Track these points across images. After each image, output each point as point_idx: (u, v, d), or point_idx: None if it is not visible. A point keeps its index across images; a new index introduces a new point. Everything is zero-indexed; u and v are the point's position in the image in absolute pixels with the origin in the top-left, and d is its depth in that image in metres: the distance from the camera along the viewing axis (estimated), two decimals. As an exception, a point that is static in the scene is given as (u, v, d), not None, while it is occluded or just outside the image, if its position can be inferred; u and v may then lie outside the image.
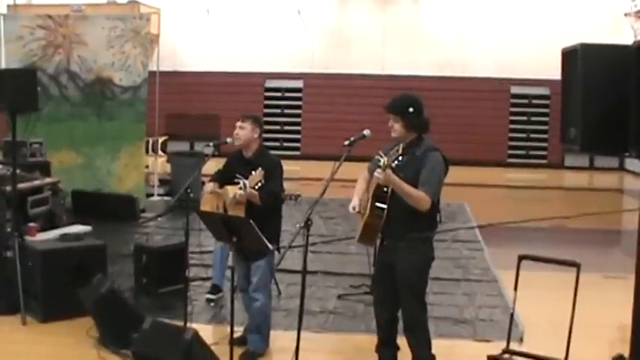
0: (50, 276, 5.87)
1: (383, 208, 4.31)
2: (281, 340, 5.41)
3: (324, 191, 4.21)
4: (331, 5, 22.12)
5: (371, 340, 4.86)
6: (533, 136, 21.75)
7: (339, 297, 6.88)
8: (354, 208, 4.46)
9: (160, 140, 16.58)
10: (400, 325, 4.55)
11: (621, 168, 20.55)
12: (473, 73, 21.17)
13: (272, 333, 5.40)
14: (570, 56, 4.74)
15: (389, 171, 4.13)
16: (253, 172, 4.90)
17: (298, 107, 22.51)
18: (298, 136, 22.48)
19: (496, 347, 5.39)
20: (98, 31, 11.45)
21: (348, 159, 4.29)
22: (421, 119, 4.41)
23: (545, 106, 21.25)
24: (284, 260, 4.90)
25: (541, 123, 21.50)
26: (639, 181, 16.88)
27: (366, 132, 4.47)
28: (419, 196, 4.23)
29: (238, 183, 4.95)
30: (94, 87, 11.54)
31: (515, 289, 5.20)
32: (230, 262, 5.40)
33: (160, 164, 14.38)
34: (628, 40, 9.75)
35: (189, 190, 5.07)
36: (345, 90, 21.46)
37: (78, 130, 11.52)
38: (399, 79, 19.85)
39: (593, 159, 21.09)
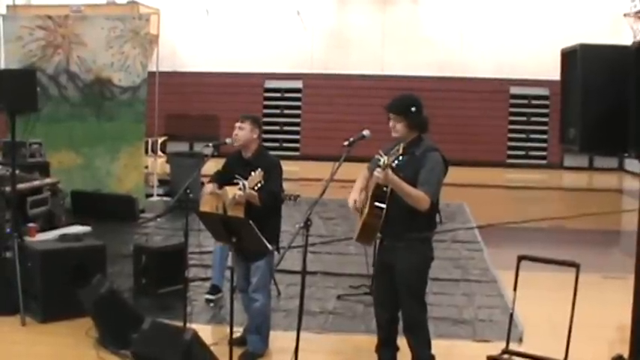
0: (50, 276, 5.86)
1: (382, 208, 4.30)
2: (280, 340, 5.40)
3: (323, 192, 4.21)
4: (330, 6, 22.13)
5: (370, 340, 4.86)
6: (532, 136, 21.78)
7: (339, 297, 6.86)
8: (354, 201, 4.47)
9: (160, 141, 16.61)
10: (400, 325, 4.55)
11: (620, 168, 20.57)
12: (472, 73, 21.19)
13: (271, 333, 5.39)
14: (570, 57, 4.74)
15: (389, 170, 4.12)
16: (252, 173, 4.90)
17: (298, 108, 22.52)
18: (297, 137, 22.49)
19: (495, 347, 5.38)
20: (97, 32, 11.45)
21: (348, 159, 4.29)
22: (422, 118, 4.42)
23: (545, 106, 21.27)
24: (283, 261, 4.89)
25: (540, 123, 21.53)
26: (638, 181, 16.88)
27: (366, 132, 4.46)
28: (418, 196, 4.23)
29: (237, 184, 4.95)
30: (93, 87, 11.54)
31: (515, 289, 5.20)
32: (229, 263, 5.40)
33: (159, 165, 14.39)
34: (627, 40, 9.79)
35: (188, 191, 5.07)
36: (345, 90, 21.47)
37: (77, 130, 11.52)
38: (399, 80, 19.85)
39: (592, 159, 21.11)
